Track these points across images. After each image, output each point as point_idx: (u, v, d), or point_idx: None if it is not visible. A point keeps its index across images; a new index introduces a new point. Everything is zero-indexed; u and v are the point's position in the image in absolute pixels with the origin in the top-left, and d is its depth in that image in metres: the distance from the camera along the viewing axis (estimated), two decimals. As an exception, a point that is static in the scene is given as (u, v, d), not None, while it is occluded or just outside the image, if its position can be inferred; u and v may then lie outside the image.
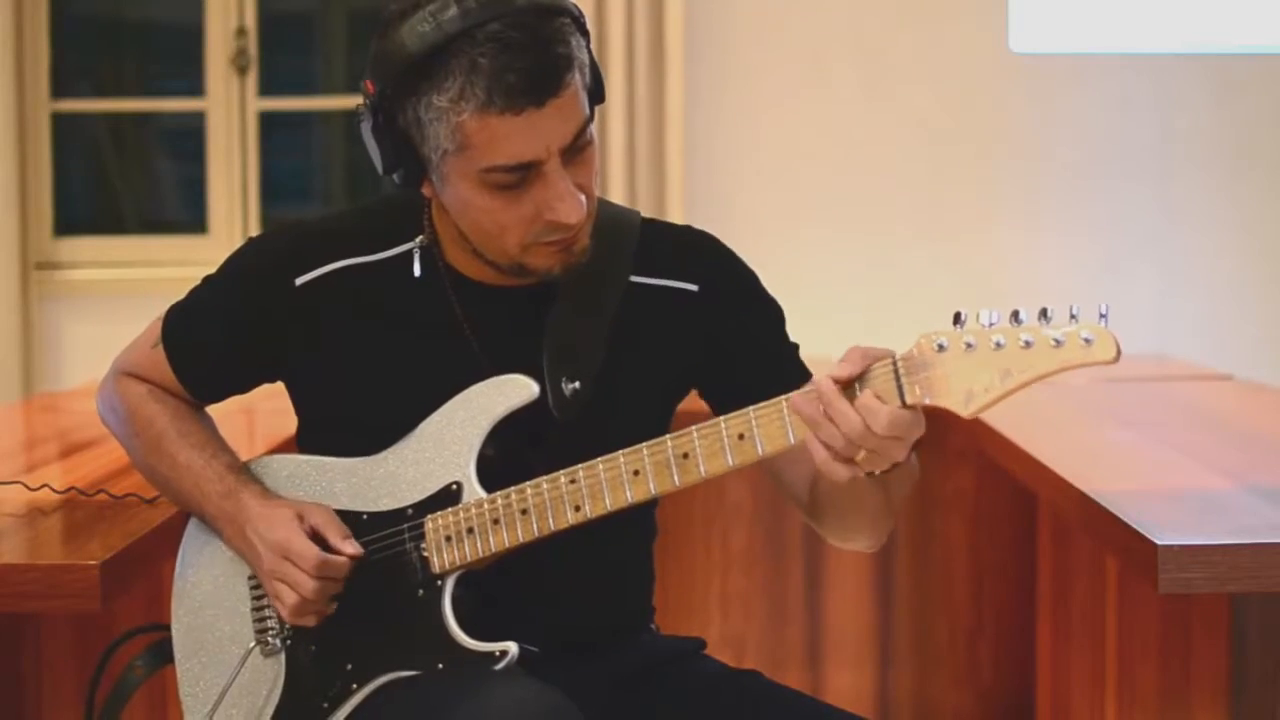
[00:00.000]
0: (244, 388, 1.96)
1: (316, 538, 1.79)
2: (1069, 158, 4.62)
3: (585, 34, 1.73)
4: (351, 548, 1.78)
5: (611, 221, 1.87)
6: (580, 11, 1.73)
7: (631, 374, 1.83)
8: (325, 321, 1.85)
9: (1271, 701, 2.20)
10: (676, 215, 4.41)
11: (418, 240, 1.85)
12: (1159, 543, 1.87)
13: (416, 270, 1.84)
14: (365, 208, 1.95)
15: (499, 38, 1.64)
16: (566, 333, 1.81)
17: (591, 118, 1.75)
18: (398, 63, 1.68)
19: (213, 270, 1.95)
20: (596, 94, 1.75)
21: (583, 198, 1.72)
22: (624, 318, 1.83)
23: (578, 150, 1.71)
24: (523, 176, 1.70)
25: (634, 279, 1.86)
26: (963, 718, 3.83)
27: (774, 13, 4.57)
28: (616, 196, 4.34)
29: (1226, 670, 2.21)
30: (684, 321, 1.86)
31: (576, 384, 1.79)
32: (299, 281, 1.85)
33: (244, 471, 1.89)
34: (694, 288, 1.87)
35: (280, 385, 1.93)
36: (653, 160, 4.45)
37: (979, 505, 3.78)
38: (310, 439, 1.91)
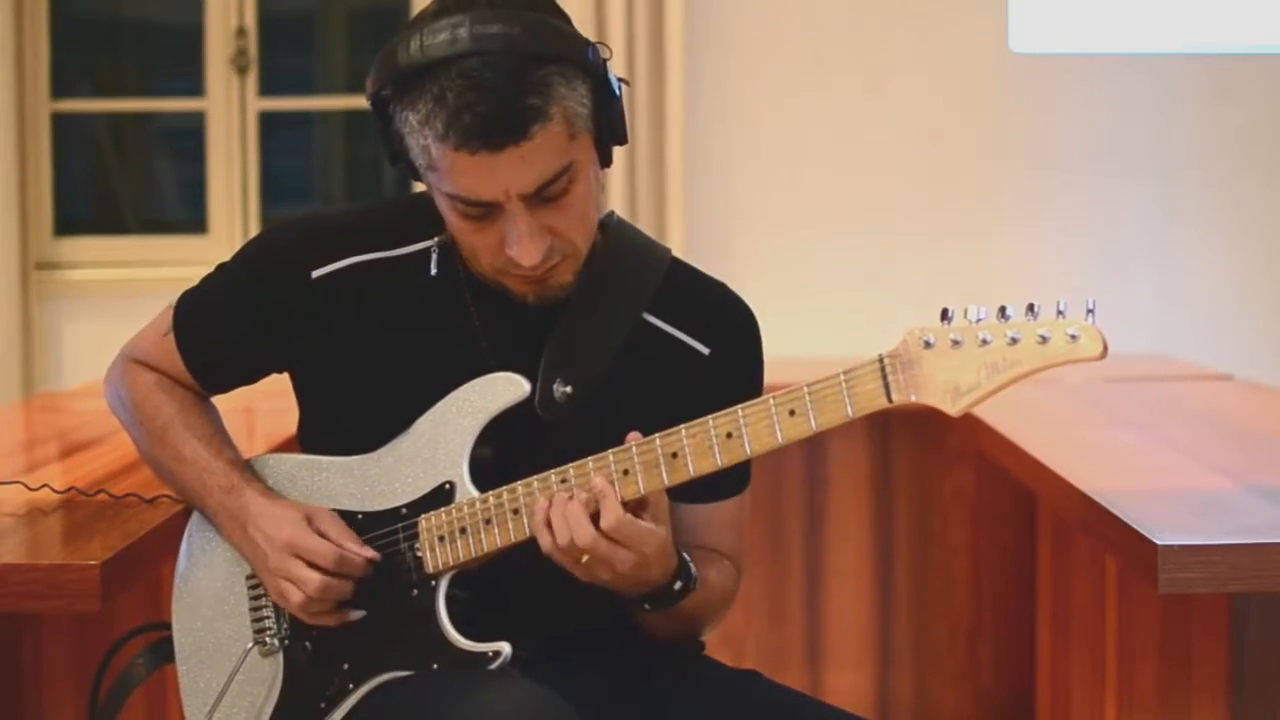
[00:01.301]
0: (252, 378, 1.96)
1: (327, 541, 1.79)
2: (1069, 158, 4.62)
3: (599, 79, 1.71)
4: (368, 551, 1.79)
5: (638, 251, 1.87)
6: (596, 54, 1.71)
7: (626, 400, 1.82)
8: (339, 315, 1.85)
9: (1271, 701, 2.19)
10: (676, 218, 4.40)
11: (436, 239, 1.85)
12: (1159, 543, 1.87)
13: (433, 269, 1.84)
14: (385, 204, 1.97)
15: (470, 75, 1.64)
16: (570, 339, 1.81)
17: (606, 162, 1.75)
18: (387, 71, 1.69)
19: (224, 261, 1.95)
20: (609, 138, 1.73)
21: (546, 242, 1.71)
22: (631, 350, 1.83)
23: (548, 198, 1.70)
24: (485, 210, 1.70)
25: (649, 318, 1.85)
26: (963, 718, 3.82)
27: (774, 13, 4.57)
28: (616, 197, 4.34)
29: (1226, 670, 2.20)
30: (684, 379, 1.84)
31: (569, 388, 1.79)
32: (315, 274, 1.85)
33: (247, 469, 1.89)
34: (705, 351, 1.86)
35: (283, 383, 1.92)
36: (653, 160, 4.45)
37: (979, 505, 3.78)
38: (313, 434, 1.91)
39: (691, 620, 1.85)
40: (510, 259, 1.72)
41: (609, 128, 1.74)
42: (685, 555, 1.77)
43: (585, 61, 1.69)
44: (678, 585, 1.76)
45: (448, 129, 1.64)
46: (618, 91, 1.74)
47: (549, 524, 1.68)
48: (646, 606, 1.76)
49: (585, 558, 1.67)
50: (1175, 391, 3.51)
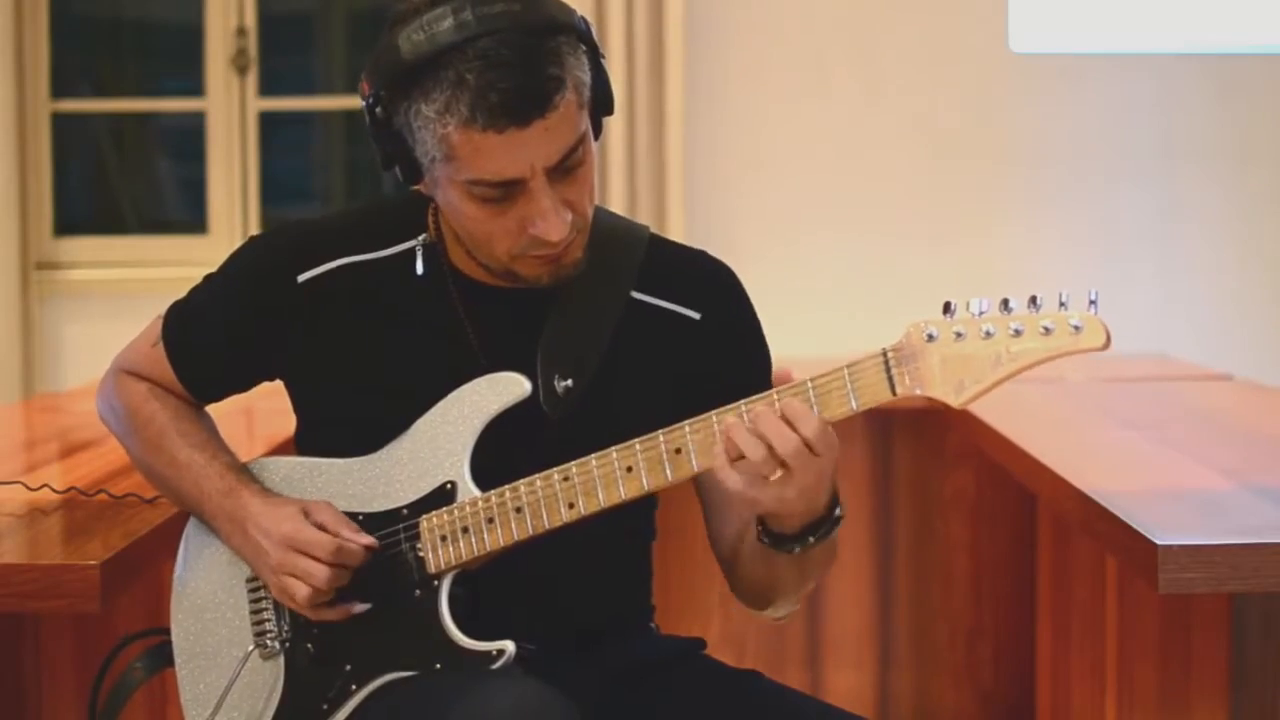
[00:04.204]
0: (244, 386, 1.96)
1: (324, 533, 1.79)
2: (1069, 158, 4.62)
3: (592, 48, 1.72)
4: (366, 538, 1.78)
5: (618, 233, 1.87)
6: (587, 25, 1.72)
7: (626, 383, 1.82)
8: (327, 319, 1.85)
9: (1271, 701, 2.20)
10: (677, 218, 4.40)
11: (420, 238, 1.85)
12: (1159, 543, 1.87)
13: (419, 268, 1.84)
14: (369, 206, 1.96)
15: (487, 55, 1.64)
16: (564, 333, 1.81)
17: (598, 134, 1.75)
18: (391, 68, 1.68)
19: (213, 270, 1.95)
20: (602, 108, 1.75)
21: (569, 215, 1.72)
22: (623, 331, 1.83)
23: (567, 169, 1.70)
24: (507, 192, 1.70)
25: (637, 295, 1.85)
26: (963, 718, 3.83)
27: (774, 13, 4.57)
28: (616, 199, 4.34)
29: (1226, 670, 2.21)
30: (681, 347, 1.85)
31: (569, 382, 1.79)
32: (301, 278, 1.85)
33: (243, 471, 1.89)
34: (696, 315, 1.86)
35: (280, 385, 1.93)
36: (653, 162, 4.45)
37: (979, 505, 3.78)
38: (309, 438, 1.91)
39: (815, 569, 1.80)
40: (533, 238, 1.72)
41: (601, 98, 1.74)
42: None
43: (581, 31, 1.71)
44: (837, 511, 1.71)
45: (474, 110, 1.64)
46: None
47: (742, 441, 1.62)
48: (812, 539, 1.70)
49: (778, 473, 1.63)
50: (1175, 391, 3.51)
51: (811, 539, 1.70)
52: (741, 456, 1.62)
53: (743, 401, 1.65)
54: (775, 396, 1.64)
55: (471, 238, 1.77)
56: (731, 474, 1.63)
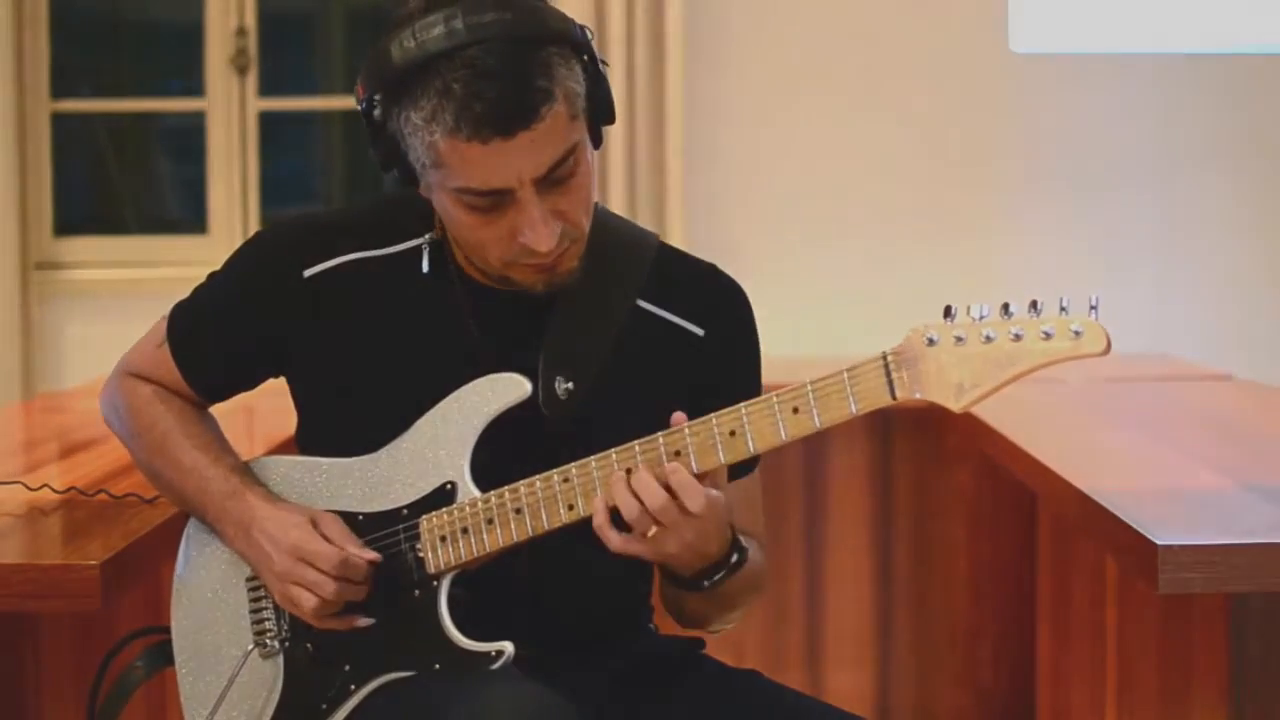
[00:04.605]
0: (250, 384, 1.95)
1: (331, 545, 1.79)
2: (1069, 158, 4.62)
3: (587, 57, 1.71)
4: (370, 554, 1.78)
5: (626, 239, 1.87)
6: (584, 34, 1.71)
7: (626, 389, 1.82)
8: (332, 314, 1.85)
9: (1271, 701, 2.20)
10: (676, 218, 4.40)
11: (427, 236, 1.85)
12: (1159, 543, 1.87)
13: (425, 266, 1.84)
14: (376, 203, 1.96)
15: (474, 64, 1.63)
16: (567, 335, 1.81)
17: (598, 143, 1.75)
18: (381, 73, 1.69)
19: (215, 268, 1.94)
20: (601, 118, 1.74)
21: (559, 226, 1.71)
22: (627, 338, 1.83)
23: (557, 180, 1.70)
24: (495, 201, 1.69)
25: (642, 304, 1.85)
26: (963, 718, 3.83)
27: (773, 12, 4.57)
28: (616, 200, 4.34)
29: (1226, 670, 2.21)
30: (682, 362, 1.85)
31: (570, 384, 1.79)
32: (308, 273, 1.85)
33: (248, 474, 1.89)
34: (700, 332, 1.86)
35: (282, 383, 1.92)
36: (653, 165, 4.44)
37: (979, 505, 3.78)
38: (310, 436, 1.91)
39: (735, 600, 1.83)
40: (523, 248, 1.72)
41: (600, 107, 1.74)
42: (732, 527, 1.75)
43: (577, 41, 1.70)
44: (734, 558, 1.74)
45: (458, 120, 1.64)
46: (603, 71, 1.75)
47: (619, 495, 1.66)
48: (706, 584, 1.74)
49: (654, 530, 1.66)
50: (1175, 391, 3.51)
51: (706, 584, 1.74)
52: (616, 509, 1.65)
53: (588, 460, 1.69)
54: (662, 443, 1.66)
55: (465, 243, 1.78)
56: (610, 533, 1.67)
